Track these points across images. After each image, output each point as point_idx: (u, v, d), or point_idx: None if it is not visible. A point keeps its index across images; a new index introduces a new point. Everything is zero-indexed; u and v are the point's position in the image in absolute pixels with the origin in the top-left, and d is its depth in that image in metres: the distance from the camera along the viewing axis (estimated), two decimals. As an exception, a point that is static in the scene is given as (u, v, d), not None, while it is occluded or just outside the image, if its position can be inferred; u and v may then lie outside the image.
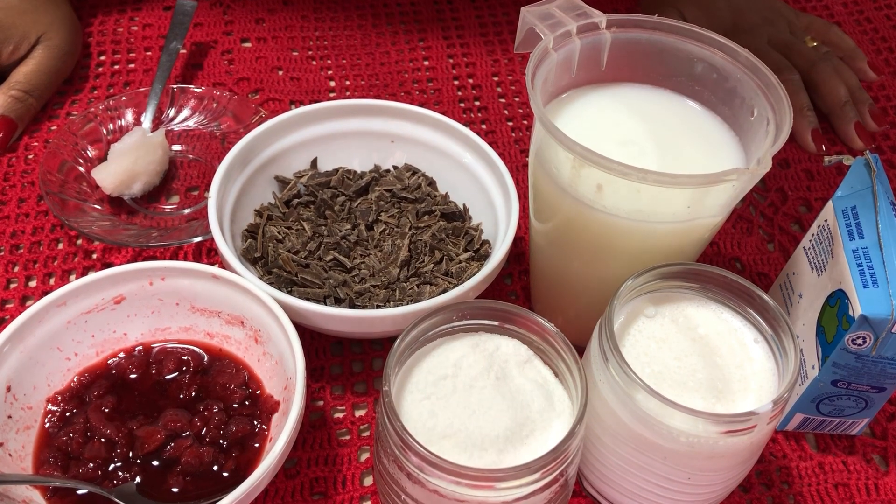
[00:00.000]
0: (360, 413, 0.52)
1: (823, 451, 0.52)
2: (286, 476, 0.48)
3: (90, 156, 0.62)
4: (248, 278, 0.49)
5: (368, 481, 0.49)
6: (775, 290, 0.55)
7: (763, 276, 0.60)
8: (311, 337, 0.54)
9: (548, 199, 0.48)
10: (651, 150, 0.48)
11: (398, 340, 0.40)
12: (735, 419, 0.39)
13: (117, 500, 0.44)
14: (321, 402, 0.52)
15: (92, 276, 0.48)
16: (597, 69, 0.50)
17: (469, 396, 0.41)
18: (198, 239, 0.57)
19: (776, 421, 0.41)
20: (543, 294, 0.56)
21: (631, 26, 0.49)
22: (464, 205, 0.59)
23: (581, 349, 0.43)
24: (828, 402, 0.49)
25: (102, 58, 0.72)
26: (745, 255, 0.62)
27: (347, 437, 0.51)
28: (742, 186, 0.44)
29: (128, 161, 0.59)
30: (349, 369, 0.54)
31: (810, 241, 0.51)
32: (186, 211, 0.61)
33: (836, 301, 0.46)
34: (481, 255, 0.56)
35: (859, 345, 0.45)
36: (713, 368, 0.43)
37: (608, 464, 0.44)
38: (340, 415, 0.52)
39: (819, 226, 0.50)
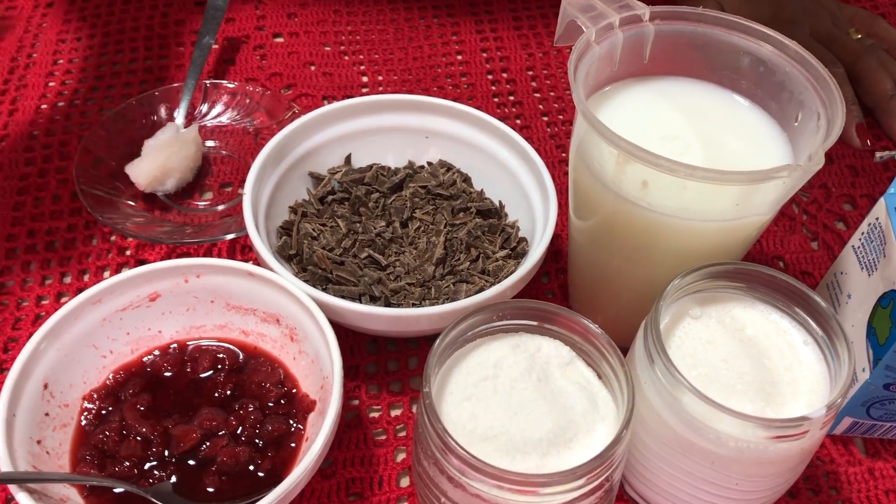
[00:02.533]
0: (395, 413, 0.51)
1: (873, 456, 0.50)
2: (322, 476, 0.48)
3: (124, 152, 0.62)
4: (284, 275, 0.48)
5: (405, 482, 0.48)
6: (822, 290, 0.53)
7: (807, 275, 0.59)
8: (345, 335, 0.54)
9: (589, 196, 0.47)
10: (696, 146, 0.46)
11: (438, 340, 0.40)
12: (786, 424, 0.38)
13: (153, 500, 0.43)
14: (356, 402, 0.51)
15: (127, 274, 0.48)
16: (639, 62, 0.49)
17: (510, 398, 0.40)
18: (232, 236, 0.57)
19: (828, 426, 0.40)
20: (582, 293, 0.55)
21: (674, 18, 0.48)
22: (500, 201, 0.58)
23: (621, 349, 0.42)
24: (879, 406, 0.47)
25: (135, 53, 0.72)
26: (789, 254, 0.60)
27: (384, 438, 0.50)
28: (792, 184, 0.42)
29: (161, 157, 0.59)
30: (384, 368, 0.53)
31: (860, 239, 0.49)
32: (220, 207, 0.61)
33: (889, 302, 0.45)
34: (518, 252, 0.55)
35: (914, 347, 0.43)
36: (762, 371, 0.41)
37: (652, 468, 0.43)
38: (376, 414, 0.51)
39: (870, 224, 0.48)
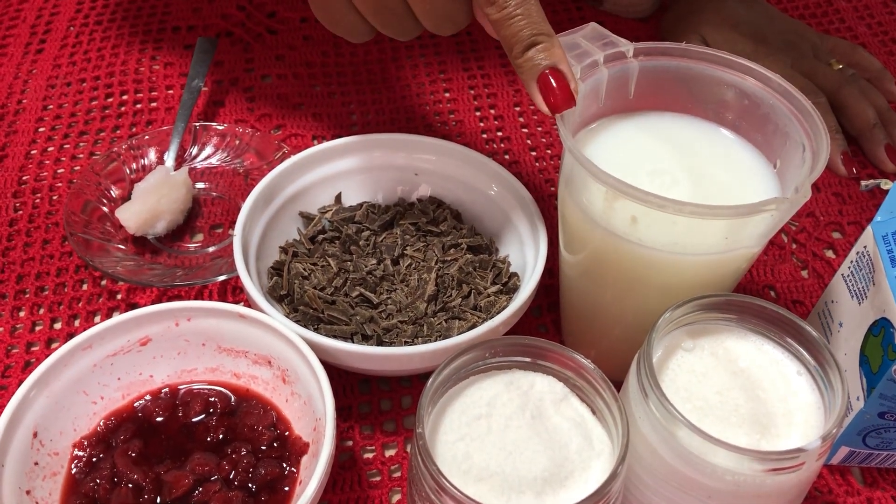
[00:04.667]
0: (390, 453, 0.51)
1: (871, 485, 0.50)
2: (316, 520, 0.47)
3: (114, 195, 0.62)
4: (275, 317, 0.48)
5: (401, 524, 0.47)
6: (813, 319, 0.53)
7: (799, 304, 0.59)
8: (338, 375, 0.53)
9: (578, 231, 0.47)
10: (684, 180, 0.47)
11: (431, 380, 0.39)
12: (782, 456, 0.37)
13: (146, 548, 0.43)
14: (350, 443, 0.51)
15: (117, 319, 0.48)
16: (625, 98, 0.49)
17: (505, 437, 0.40)
18: (223, 277, 0.56)
19: (824, 457, 0.39)
20: (574, 327, 0.55)
21: (658, 54, 0.49)
22: (490, 237, 0.58)
23: (615, 383, 0.42)
24: (875, 434, 0.47)
25: (125, 97, 0.72)
26: (779, 283, 0.60)
27: (378, 479, 0.49)
28: (780, 216, 0.43)
29: (151, 200, 0.59)
30: (377, 407, 0.53)
31: (849, 268, 0.49)
32: (211, 249, 0.60)
33: (881, 330, 0.45)
34: (510, 288, 0.55)
35: (907, 375, 0.43)
36: (756, 403, 0.41)
37: (649, 503, 0.43)
38: (370, 455, 0.50)
39: (858, 252, 0.48)
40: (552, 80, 0.42)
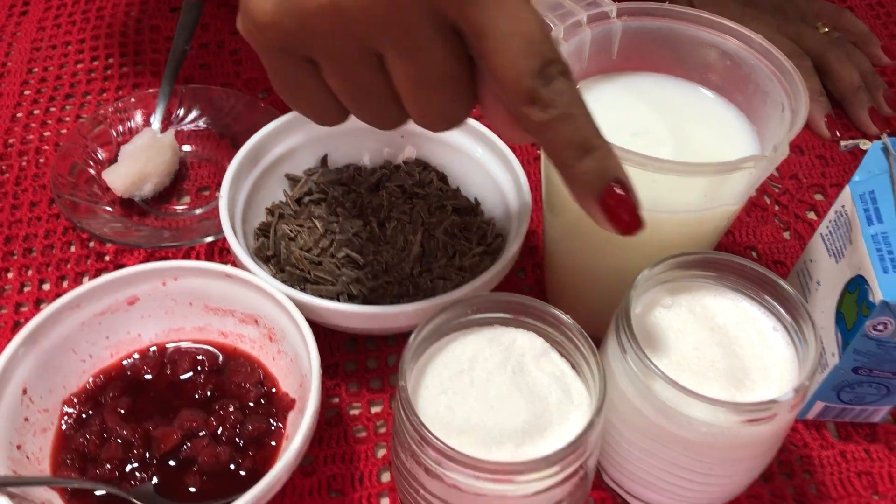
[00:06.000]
0: (376, 409, 0.52)
1: (845, 439, 0.51)
2: (303, 474, 0.48)
3: (101, 158, 0.62)
4: (261, 276, 0.49)
5: (386, 478, 0.48)
6: (793, 278, 0.54)
7: (780, 265, 0.60)
8: (325, 334, 0.54)
9: (561, 191, 0.47)
10: (665, 139, 0.47)
11: (414, 335, 0.40)
12: (756, 408, 0.38)
13: (135, 501, 0.44)
14: (336, 400, 0.52)
15: (105, 278, 0.48)
16: (608, 59, 0.49)
17: (486, 391, 0.41)
18: (210, 239, 0.57)
19: (797, 409, 0.40)
20: (558, 287, 0.55)
21: (641, 14, 0.49)
22: (475, 199, 0.58)
23: (598, 342, 0.43)
24: (849, 389, 0.48)
25: (111, 60, 0.72)
26: (761, 244, 0.61)
27: (364, 434, 0.50)
28: (759, 174, 0.43)
29: (138, 162, 0.59)
30: (364, 366, 0.54)
31: (827, 227, 0.50)
32: (198, 211, 0.61)
33: (856, 287, 0.46)
34: (494, 249, 0.55)
35: (880, 331, 0.44)
36: (732, 358, 0.42)
37: (628, 456, 0.44)
38: (356, 412, 0.51)
39: (836, 212, 0.49)
40: (616, 197, 0.35)
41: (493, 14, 0.32)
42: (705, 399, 0.38)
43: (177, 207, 0.61)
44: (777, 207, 0.63)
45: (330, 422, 0.51)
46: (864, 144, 0.49)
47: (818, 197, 0.64)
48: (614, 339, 0.42)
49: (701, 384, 0.41)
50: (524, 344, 0.43)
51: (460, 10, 0.32)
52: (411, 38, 0.32)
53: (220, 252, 0.59)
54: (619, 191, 0.35)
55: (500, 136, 0.37)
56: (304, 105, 0.37)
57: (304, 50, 0.34)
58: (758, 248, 0.61)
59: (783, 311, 0.43)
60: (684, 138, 0.47)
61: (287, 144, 0.58)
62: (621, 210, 0.35)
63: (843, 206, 0.48)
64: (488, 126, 0.58)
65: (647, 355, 0.40)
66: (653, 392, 0.40)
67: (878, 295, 0.43)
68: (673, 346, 0.43)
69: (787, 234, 0.62)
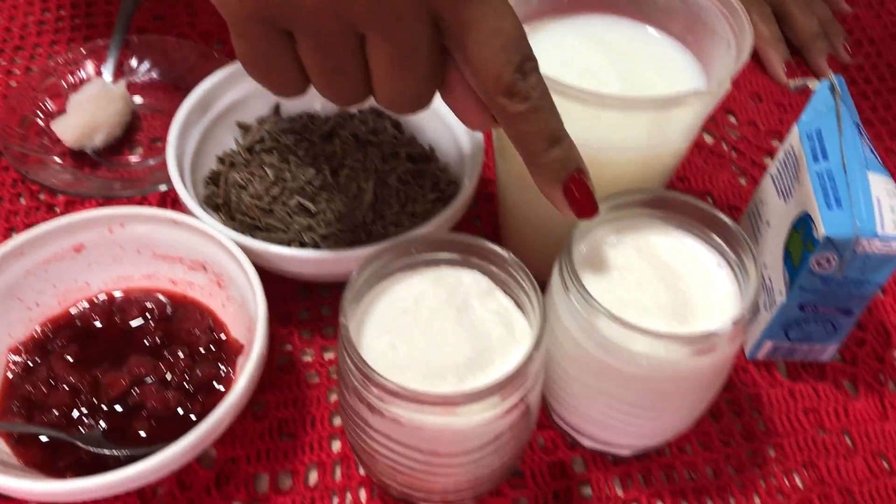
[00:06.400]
0: (329, 356, 0.52)
1: (794, 378, 0.51)
2: (254, 419, 0.48)
3: (51, 110, 0.61)
4: (208, 222, 0.48)
5: (338, 421, 0.49)
6: (744, 221, 0.54)
7: (735, 210, 0.60)
8: (278, 282, 0.54)
9: (509, 133, 0.47)
10: (613, 80, 0.47)
11: (354, 273, 0.40)
12: (695, 340, 0.39)
13: (82, 445, 0.44)
14: (289, 347, 0.52)
15: (49, 224, 0.48)
16: (556, -1, 0.49)
17: (430, 329, 0.41)
18: (162, 187, 0.56)
19: (738, 342, 0.41)
20: (513, 233, 0.55)
21: (590, -47, 0.48)
22: (430, 146, 0.58)
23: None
24: (796, 327, 0.49)
25: (62, 12, 0.70)
26: (717, 190, 0.61)
27: (317, 380, 0.50)
28: (702, 110, 0.43)
29: (87, 112, 0.58)
30: (317, 314, 0.53)
31: (777, 167, 0.50)
32: (151, 162, 0.60)
33: (802, 225, 0.46)
34: (448, 195, 0.55)
35: (824, 267, 0.45)
36: (676, 294, 0.42)
37: (574, 393, 0.44)
38: (309, 358, 0.51)
39: (785, 151, 0.49)
40: (577, 185, 0.38)
41: (480, 10, 0.34)
42: (645, 332, 0.38)
43: (130, 158, 0.61)
44: (734, 154, 0.64)
45: (283, 368, 0.51)
46: (813, 84, 0.48)
47: (775, 143, 0.64)
48: (558, 278, 0.42)
49: (643, 319, 0.41)
50: (469, 283, 0.43)
51: (453, 4, 0.34)
52: (399, 23, 0.34)
53: (172, 202, 0.58)
54: (579, 180, 0.38)
55: (463, 122, 0.39)
56: (269, 77, 0.37)
57: (286, 23, 0.34)
58: (713, 194, 0.61)
59: (727, 248, 0.43)
60: (632, 78, 0.47)
61: (239, 92, 0.57)
62: (581, 196, 0.38)
63: (791, 146, 0.49)
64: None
65: (590, 292, 0.40)
66: (595, 328, 0.40)
67: (821, 231, 0.43)
68: (617, 283, 0.43)
69: (743, 181, 0.62)
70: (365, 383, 0.38)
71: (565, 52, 0.49)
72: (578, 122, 0.43)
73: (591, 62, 0.48)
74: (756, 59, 0.69)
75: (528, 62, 0.35)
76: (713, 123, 0.66)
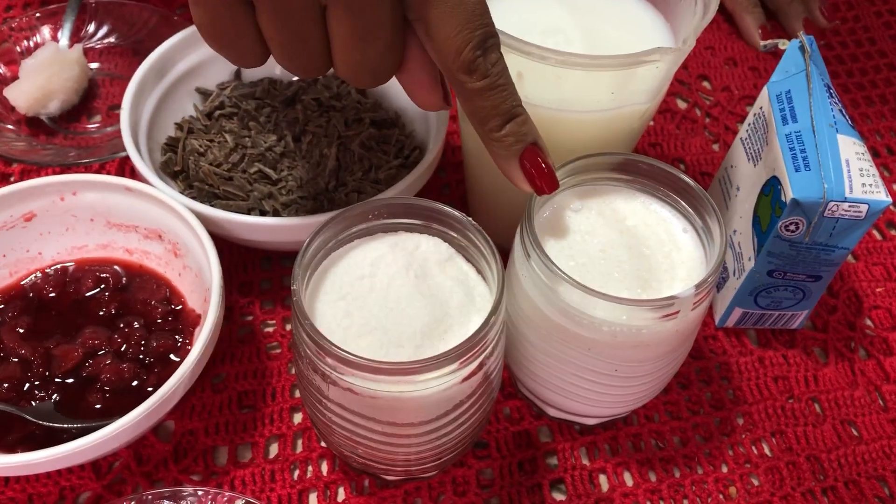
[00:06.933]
0: (290, 327, 0.50)
1: (764, 346, 0.51)
2: (213, 391, 0.47)
3: (5, 75, 0.59)
4: (163, 189, 0.47)
5: (298, 393, 0.47)
6: (714, 186, 0.53)
7: (707, 175, 0.59)
8: (239, 252, 0.52)
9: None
10: (577, 39, 0.46)
11: (308, 238, 0.39)
12: (656, 304, 0.38)
13: (32, 419, 0.42)
14: (250, 318, 0.51)
15: (-3, 193, 0.46)
16: (520, -44, 0.47)
17: (387, 295, 0.40)
18: (120, 154, 0.55)
19: (703, 308, 0.40)
20: (479, 200, 0.54)
21: None
22: (395, 112, 0.56)
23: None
24: (765, 294, 0.48)
25: (18, -24, 0.68)
26: (689, 156, 0.60)
27: (278, 351, 0.49)
28: (668, 68, 0.42)
29: (41, 78, 0.56)
30: (279, 283, 0.52)
31: (746, 130, 0.49)
32: (109, 129, 0.58)
33: (770, 189, 0.45)
34: (413, 162, 0.54)
35: (792, 231, 0.44)
36: (640, 259, 0.41)
37: (538, 361, 0.43)
38: (271, 329, 0.50)
39: (755, 114, 0.48)
40: (533, 158, 0.38)
41: None
42: (606, 297, 0.37)
43: (87, 126, 0.59)
44: (708, 120, 0.62)
45: (243, 339, 0.49)
46: (784, 44, 0.47)
47: (749, 108, 0.63)
48: (519, 244, 0.41)
49: (606, 285, 0.40)
50: (428, 249, 0.41)
51: None
52: None
53: (131, 171, 0.57)
54: (534, 153, 0.38)
55: (414, 100, 0.39)
56: (228, 46, 0.36)
57: None
58: (686, 160, 0.60)
59: (693, 212, 0.42)
60: (597, 38, 0.46)
61: (197, 56, 0.55)
62: (538, 171, 0.38)
63: (760, 108, 0.47)
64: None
65: (551, 258, 0.39)
66: (557, 294, 0.39)
67: (789, 194, 0.42)
68: (579, 248, 0.42)
69: (716, 147, 0.61)
70: (318, 353, 0.37)
71: (530, 11, 0.47)
72: (541, 82, 0.42)
73: (556, 21, 0.47)
74: (732, 23, 0.68)
75: (489, 38, 0.35)
76: (686, 89, 0.64)
